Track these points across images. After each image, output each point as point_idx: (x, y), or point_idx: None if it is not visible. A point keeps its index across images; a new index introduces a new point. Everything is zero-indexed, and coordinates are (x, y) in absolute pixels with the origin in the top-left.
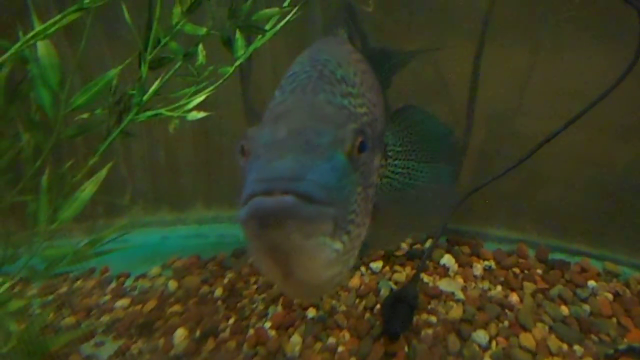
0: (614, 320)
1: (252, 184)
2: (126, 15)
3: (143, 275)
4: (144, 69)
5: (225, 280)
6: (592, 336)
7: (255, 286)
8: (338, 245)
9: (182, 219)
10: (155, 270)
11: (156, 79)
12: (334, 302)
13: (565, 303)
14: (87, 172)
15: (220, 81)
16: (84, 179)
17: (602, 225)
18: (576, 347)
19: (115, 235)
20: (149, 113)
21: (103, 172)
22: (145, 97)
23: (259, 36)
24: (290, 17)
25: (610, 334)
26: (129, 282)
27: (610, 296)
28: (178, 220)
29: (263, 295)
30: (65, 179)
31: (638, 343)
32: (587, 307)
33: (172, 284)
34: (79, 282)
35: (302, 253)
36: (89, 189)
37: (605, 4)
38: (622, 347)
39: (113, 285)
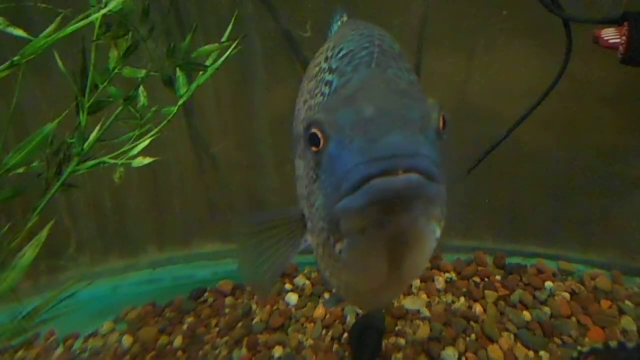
0: (574, 320)
1: (361, 166)
2: (59, 63)
3: (94, 334)
4: (83, 116)
5: (185, 327)
6: (556, 339)
7: (217, 329)
8: (439, 233)
9: (134, 265)
10: (107, 325)
11: (97, 124)
12: (300, 336)
13: (527, 308)
14: (27, 234)
15: (165, 122)
16: (24, 242)
17: (553, 225)
18: (542, 354)
19: (62, 298)
20: (91, 163)
21: (44, 234)
22: (86, 146)
23: (201, 73)
24: (231, 52)
25: (572, 335)
26: (78, 345)
27: (567, 296)
28: (130, 267)
29: (226, 339)
30: (2, 246)
31: (599, 343)
32: (547, 310)
33: (127, 340)
34: (20, 353)
35: (421, 240)
36: (29, 254)
37: (532, 15)
38: (585, 349)
39: (60, 351)
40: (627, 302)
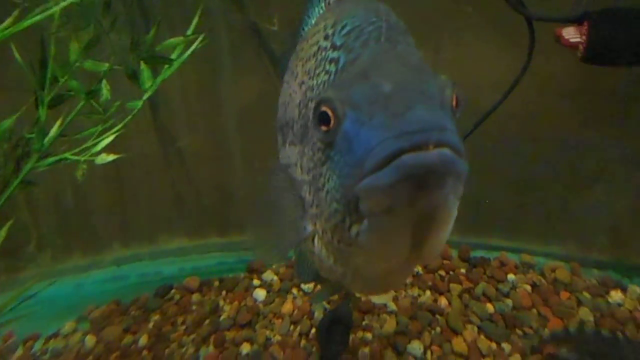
0: (535, 311)
1: (389, 141)
2: (17, 55)
3: (55, 335)
4: (42, 111)
5: (150, 325)
6: (517, 330)
7: (183, 327)
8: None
9: (97, 262)
10: (69, 325)
11: (57, 119)
12: (267, 332)
13: (490, 300)
14: None
15: (129, 117)
16: None
17: (515, 217)
18: (504, 345)
19: (22, 298)
20: (51, 159)
21: (2, 233)
22: (46, 141)
23: (166, 66)
24: (197, 46)
25: (532, 325)
26: (38, 346)
27: (528, 288)
28: (93, 264)
29: (192, 336)
30: None
31: (559, 330)
32: (509, 302)
33: (90, 340)
34: None
35: (449, 217)
36: None
37: (497, 12)
38: (545, 336)
39: (19, 352)
40: (585, 293)
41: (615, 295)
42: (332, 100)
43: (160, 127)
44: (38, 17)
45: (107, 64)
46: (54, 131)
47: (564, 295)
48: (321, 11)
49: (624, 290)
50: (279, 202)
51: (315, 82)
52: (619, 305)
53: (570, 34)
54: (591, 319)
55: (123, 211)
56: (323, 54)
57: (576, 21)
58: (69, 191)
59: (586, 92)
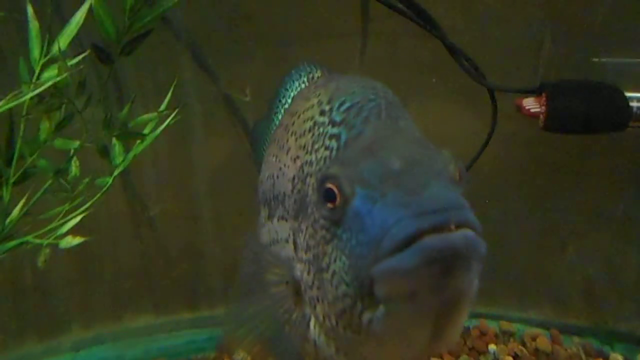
0: None
1: (407, 221)
2: None
3: None
4: (6, 191)
5: None
6: None
7: None
8: None
9: (54, 348)
10: None
11: (21, 196)
12: None
13: None
14: None
15: (99, 194)
16: None
17: (492, 281)
18: None
19: None
20: (12, 243)
21: None
22: (7, 223)
23: (139, 141)
24: (170, 121)
25: None
26: None
27: (510, 359)
28: (49, 350)
29: None
30: None
31: None
32: None
33: None
34: None
35: (470, 301)
36: None
37: (460, 81)
38: None
39: None
40: None
41: None
42: (338, 177)
43: (130, 196)
44: (11, 104)
45: (77, 142)
46: (16, 212)
47: None
48: (302, 85)
49: (606, 359)
50: (260, 283)
51: (313, 157)
52: None
53: (530, 104)
54: None
55: (85, 286)
56: (321, 129)
57: (534, 92)
58: (27, 267)
59: (554, 152)
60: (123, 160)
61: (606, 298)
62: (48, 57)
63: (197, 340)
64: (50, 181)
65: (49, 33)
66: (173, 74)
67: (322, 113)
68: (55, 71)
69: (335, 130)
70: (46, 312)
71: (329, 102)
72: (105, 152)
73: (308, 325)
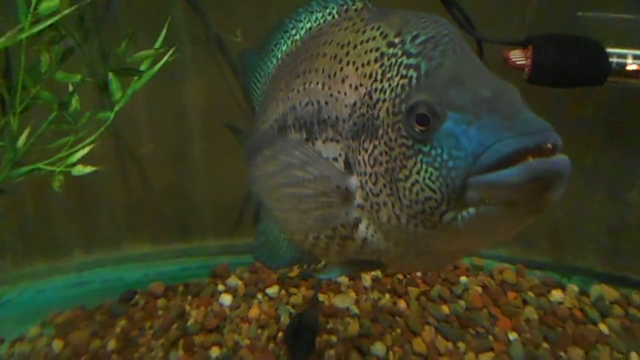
0: (485, 311)
1: (511, 140)
2: None
3: (20, 339)
4: (14, 120)
5: (118, 330)
6: (470, 330)
7: (151, 332)
8: None
9: (59, 268)
10: (34, 330)
11: (23, 129)
12: (236, 336)
13: (445, 302)
14: None
15: (103, 128)
16: None
17: None
18: (460, 344)
19: None
20: (25, 168)
21: None
22: (19, 153)
23: (136, 78)
24: (167, 59)
25: (484, 325)
26: (3, 349)
27: (479, 289)
28: (55, 270)
29: (161, 341)
30: None
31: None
32: (462, 303)
33: (57, 344)
34: None
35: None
36: None
37: None
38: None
39: None
40: (530, 293)
41: (556, 294)
42: (430, 102)
43: (122, 135)
44: (16, 39)
45: (79, 75)
46: (22, 140)
47: (511, 295)
48: (328, 17)
49: (563, 289)
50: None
51: (386, 84)
52: (560, 303)
53: (517, 56)
54: (536, 317)
55: (84, 218)
56: (392, 60)
57: (521, 44)
58: (29, 197)
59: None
60: (122, 96)
61: (568, 239)
62: None
63: (191, 267)
64: (55, 113)
65: None
66: (164, 13)
67: (390, 45)
68: (53, 2)
69: (412, 61)
70: (49, 237)
71: (398, 35)
72: (105, 87)
73: (355, 226)
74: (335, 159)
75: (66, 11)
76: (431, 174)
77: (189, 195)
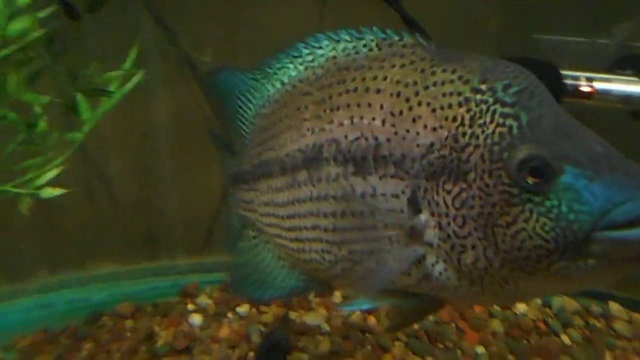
0: (453, 325)
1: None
2: None
3: None
4: None
5: (84, 353)
6: (439, 344)
7: (118, 354)
8: None
9: (22, 290)
10: None
11: None
12: (206, 357)
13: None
14: None
15: (72, 149)
16: None
17: None
18: (428, 359)
19: None
20: None
21: None
22: None
23: (105, 98)
24: (140, 80)
25: (452, 339)
26: None
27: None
28: (17, 292)
29: None
30: None
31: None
32: (431, 318)
33: None
34: None
35: None
36: None
37: None
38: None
39: None
40: (495, 306)
41: (520, 307)
42: (545, 156)
43: (89, 152)
44: None
45: (47, 97)
46: None
47: (478, 308)
48: (363, 49)
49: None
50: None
51: (478, 130)
52: (524, 315)
53: None
54: (501, 329)
55: (49, 237)
56: (482, 106)
57: None
58: None
59: None
60: (92, 117)
61: None
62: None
63: (160, 287)
64: (23, 135)
65: None
66: (132, 33)
67: (476, 91)
68: (22, 24)
69: (508, 111)
70: (11, 258)
71: (483, 82)
72: (74, 107)
73: (418, 263)
74: (396, 196)
75: (35, 33)
76: (544, 224)
77: (158, 212)
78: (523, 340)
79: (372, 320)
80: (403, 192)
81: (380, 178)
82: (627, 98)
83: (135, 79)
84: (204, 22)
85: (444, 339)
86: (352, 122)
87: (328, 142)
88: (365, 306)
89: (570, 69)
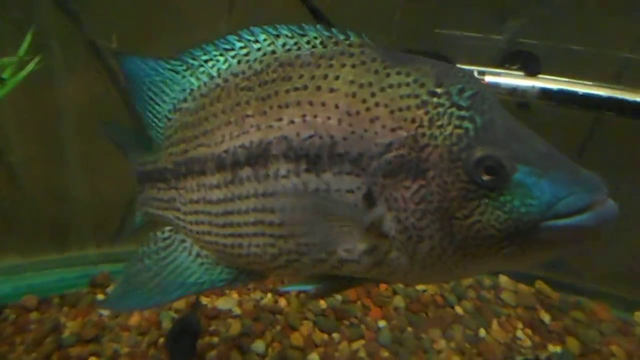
0: (359, 303)
1: (583, 195)
2: None
3: None
4: None
5: None
6: (345, 321)
7: (22, 347)
8: None
9: None
10: None
11: None
12: (115, 345)
13: (323, 297)
14: None
15: None
16: None
17: None
18: (335, 335)
19: None
20: None
21: None
22: None
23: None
24: (34, 67)
25: (357, 315)
26: None
27: None
28: None
29: (34, 355)
30: None
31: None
32: (339, 297)
33: None
34: None
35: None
36: None
37: None
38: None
39: None
40: (399, 284)
41: None
42: (499, 156)
43: None
44: None
45: None
46: None
47: (383, 286)
48: (302, 45)
49: None
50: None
51: (437, 132)
52: (424, 291)
53: None
54: (403, 304)
55: None
56: (440, 109)
57: None
58: None
59: None
60: None
61: None
62: None
63: (68, 278)
64: None
65: None
66: (31, 16)
67: (432, 94)
68: None
69: (465, 114)
70: None
71: (439, 86)
72: None
73: (368, 252)
74: (351, 191)
75: None
76: (498, 216)
77: (66, 201)
78: (422, 314)
79: (282, 302)
80: (359, 188)
81: (335, 175)
82: (513, 91)
83: (30, 66)
84: (107, 7)
85: (350, 316)
86: (304, 120)
87: (277, 139)
88: (305, 288)
89: (465, 63)
